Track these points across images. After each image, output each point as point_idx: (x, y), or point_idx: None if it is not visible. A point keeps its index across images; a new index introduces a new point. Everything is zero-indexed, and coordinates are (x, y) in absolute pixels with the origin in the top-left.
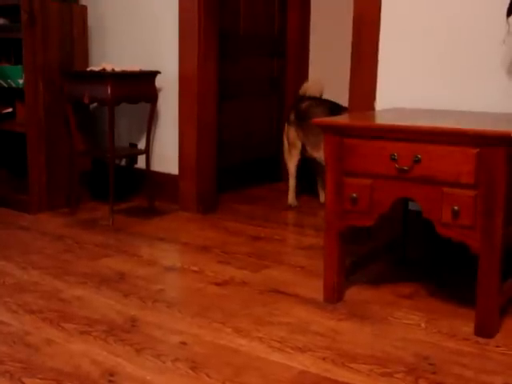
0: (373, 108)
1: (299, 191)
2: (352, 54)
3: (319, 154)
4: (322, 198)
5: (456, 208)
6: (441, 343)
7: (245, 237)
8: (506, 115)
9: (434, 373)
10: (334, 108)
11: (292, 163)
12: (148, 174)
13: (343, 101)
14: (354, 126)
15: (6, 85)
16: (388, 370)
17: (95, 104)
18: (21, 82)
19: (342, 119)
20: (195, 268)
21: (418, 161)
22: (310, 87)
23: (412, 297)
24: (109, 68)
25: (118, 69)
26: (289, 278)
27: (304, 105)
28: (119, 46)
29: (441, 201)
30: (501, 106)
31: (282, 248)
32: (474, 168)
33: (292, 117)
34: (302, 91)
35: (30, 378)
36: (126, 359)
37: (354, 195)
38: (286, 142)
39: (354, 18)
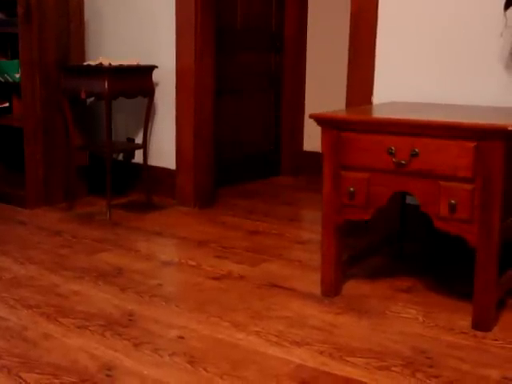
0: (370, 102)
1: (300, 186)
2: (349, 48)
3: None
4: None
5: (453, 202)
6: (438, 337)
7: (242, 231)
8: (504, 109)
9: (431, 366)
10: None
11: None
12: (145, 169)
13: (341, 95)
14: (352, 120)
15: (2, 79)
16: (385, 364)
17: (92, 98)
18: (17, 76)
19: (339, 113)
20: (193, 262)
21: (415, 154)
22: None
23: (409, 291)
24: (106, 62)
25: (114, 63)
26: (286, 272)
27: None
28: (116, 40)
29: (438, 195)
30: (498, 99)
31: (279, 242)
32: (471, 162)
33: None
34: None
35: (27, 372)
36: (124, 354)
37: (352, 189)
38: None
39: (351, 12)
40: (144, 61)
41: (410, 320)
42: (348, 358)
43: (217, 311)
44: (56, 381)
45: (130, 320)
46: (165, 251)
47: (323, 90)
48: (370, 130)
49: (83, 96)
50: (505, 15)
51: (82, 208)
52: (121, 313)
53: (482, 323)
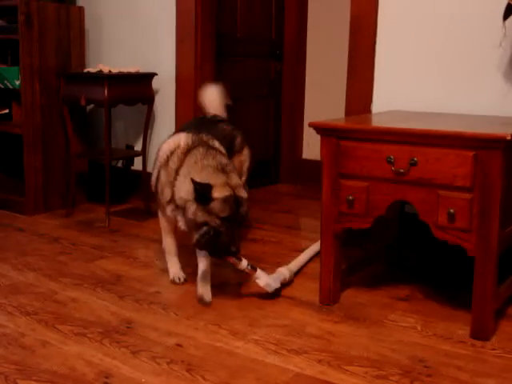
0: (369, 111)
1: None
2: (349, 56)
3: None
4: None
5: (452, 211)
6: (436, 346)
7: (241, 239)
8: (502, 118)
9: (429, 375)
10: None
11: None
12: (144, 176)
13: (341, 104)
14: (351, 129)
15: (2, 86)
16: (383, 373)
17: (92, 106)
18: (17, 83)
19: (338, 121)
20: (191, 270)
21: (414, 163)
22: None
23: (408, 299)
24: (105, 69)
25: (114, 70)
26: None
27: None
28: (116, 47)
29: (437, 204)
30: (497, 109)
31: (278, 250)
32: (469, 171)
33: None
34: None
35: (24, 379)
36: (122, 361)
37: (351, 197)
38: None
39: (350, 20)
40: (144, 68)
41: (408, 329)
42: (346, 367)
43: (215, 319)
44: None
45: (128, 327)
46: (163, 258)
47: (323, 98)
48: (369, 139)
49: (83, 103)
50: (504, 25)
51: (80, 215)
52: (119, 320)
53: (480, 332)
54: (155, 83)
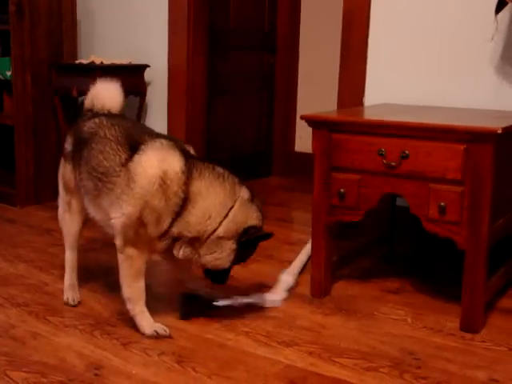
0: (362, 104)
1: (291, 187)
2: (341, 49)
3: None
4: None
5: (442, 204)
6: (426, 338)
7: None
8: (494, 112)
9: (418, 367)
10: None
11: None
12: None
13: (333, 96)
14: (343, 121)
15: None
16: (373, 365)
17: (84, 97)
18: (9, 74)
19: (330, 114)
20: None
21: (405, 157)
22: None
23: (398, 292)
24: (98, 61)
25: (106, 62)
26: (277, 273)
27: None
28: (109, 39)
29: (428, 197)
30: (489, 102)
31: (269, 243)
32: (460, 164)
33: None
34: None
35: (14, 371)
36: (112, 353)
37: (342, 190)
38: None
39: (343, 14)
40: (136, 60)
41: (398, 321)
42: (336, 359)
43: (206, 311)
44: (43, 379)
45: (119, 319)
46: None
47: (315, 90)
48: (360, 132)
49: (75, 94)
50: (496, 19)
51: None
52: (110, 312)
53: (470, 325)
54: (147, 75)
